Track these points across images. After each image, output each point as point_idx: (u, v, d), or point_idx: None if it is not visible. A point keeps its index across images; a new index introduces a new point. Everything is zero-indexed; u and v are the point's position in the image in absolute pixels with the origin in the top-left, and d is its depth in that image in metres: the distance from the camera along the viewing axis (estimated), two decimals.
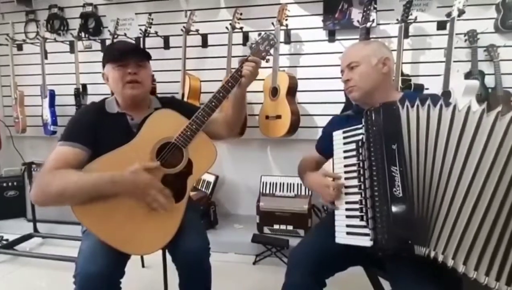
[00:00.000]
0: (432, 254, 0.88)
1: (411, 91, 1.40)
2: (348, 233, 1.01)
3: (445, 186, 0.89)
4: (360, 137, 1.05)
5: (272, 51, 1.30)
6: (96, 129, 1.17)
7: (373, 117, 1.02)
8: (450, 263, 0.85)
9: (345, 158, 1.09)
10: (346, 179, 1.07)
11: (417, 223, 0.90)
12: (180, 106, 1.30)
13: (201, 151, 1.19)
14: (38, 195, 1.06)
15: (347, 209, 1.04)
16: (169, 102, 1.35)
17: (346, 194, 1.06)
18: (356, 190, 1.03)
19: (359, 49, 1.22)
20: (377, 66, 1.17)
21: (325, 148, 1.24)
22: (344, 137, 1.12)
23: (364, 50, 1.19)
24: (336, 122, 1.30)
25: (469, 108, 0.89)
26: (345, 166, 1.08)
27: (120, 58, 1.20)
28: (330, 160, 1.18)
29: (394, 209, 0.91)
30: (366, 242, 0.95)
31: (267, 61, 1.29)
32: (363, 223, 0.97)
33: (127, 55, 1.20)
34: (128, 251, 1.10)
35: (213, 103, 1.21)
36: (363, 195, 1.00)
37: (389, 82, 1.24)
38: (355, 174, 1.04)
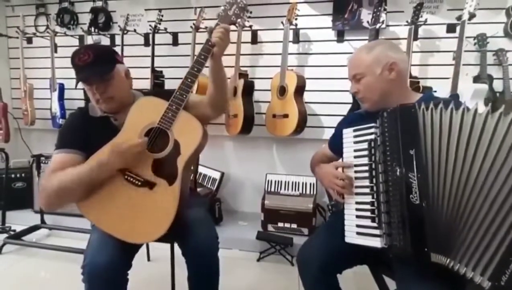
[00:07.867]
0: (454, 265, 0.86)
1: (430, 93, 1.31)
2: (358, 233, 1.01)
3: (462, 193, 0.87)
4: (371, 137, 1.03)
5: (243, 14, 1.20)
6: (85, 134, 1.19)
7: (389, 120, 0.98)
8: (470, 274, 0.84)
9: (355, 157, 1.08)
10: (356, 178, 1.06)
11: (436, 231, 0.88)
12: (163, 93, 1.27)
13: (186, 129, 1.16)
14: (42, 199, 1.12)
15: (357, 209, 1.04)
16: (153, 93, 1.33)
17: (357, 194, 1.05)
18: (367, 190, 1.02)
19: (362, 58, 1.14)
20: (382, 75, 1.11)
21: (337, 146, 1.19)
22: (355, 136, 1.09)
23: (367, 59, 1.12)
24: (349, 120, 1.25)
25: (475, 110, 0.89)
26: (355, 165, 1.07)
27: (81, 79, 1.16)
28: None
29: (410, 216, 0.89)
30: (376, 243, 0.96)
31: (238, 25, 1.19)
32: (374, 224, 0.97)
33: (88, 76, 1.15)
34: (134, 241, 1.11)
35: (189, 80, 1.17)
36: (375, 197, 0.99)
37: (402, 86, 1.16)
38: (366, 174, 1.03)
